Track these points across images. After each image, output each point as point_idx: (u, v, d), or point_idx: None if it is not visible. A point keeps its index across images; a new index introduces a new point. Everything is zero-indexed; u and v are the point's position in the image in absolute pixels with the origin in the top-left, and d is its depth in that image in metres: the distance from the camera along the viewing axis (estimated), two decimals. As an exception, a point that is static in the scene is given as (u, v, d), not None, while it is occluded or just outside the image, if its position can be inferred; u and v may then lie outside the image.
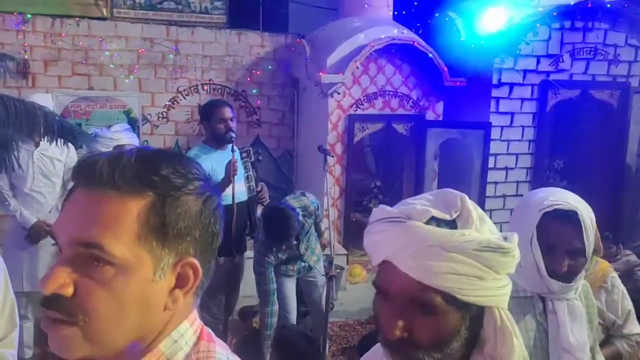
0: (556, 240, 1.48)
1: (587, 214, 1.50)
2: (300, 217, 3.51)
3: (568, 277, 1.50)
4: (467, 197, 0.94)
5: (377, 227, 0.96)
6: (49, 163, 3.63)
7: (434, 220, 0.91)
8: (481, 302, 0.90)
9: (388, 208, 0.96)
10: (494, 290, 0.90)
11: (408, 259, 0.90)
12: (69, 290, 0.71)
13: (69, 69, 5.56)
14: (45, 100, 3.70)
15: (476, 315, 0.93)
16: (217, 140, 3.69)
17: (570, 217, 1.47)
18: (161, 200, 0.73)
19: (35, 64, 5.43)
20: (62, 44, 5.51)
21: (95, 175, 0.71)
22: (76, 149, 3.78)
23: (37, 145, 3.51)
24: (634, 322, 2.00)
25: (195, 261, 0.76)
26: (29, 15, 5.37)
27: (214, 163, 3.54)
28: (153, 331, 0.76)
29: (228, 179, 3.47)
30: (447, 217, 0.91)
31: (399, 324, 0.91)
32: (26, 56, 5.35)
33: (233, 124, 3.68)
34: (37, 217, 3.54)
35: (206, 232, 0.77)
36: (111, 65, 5.67)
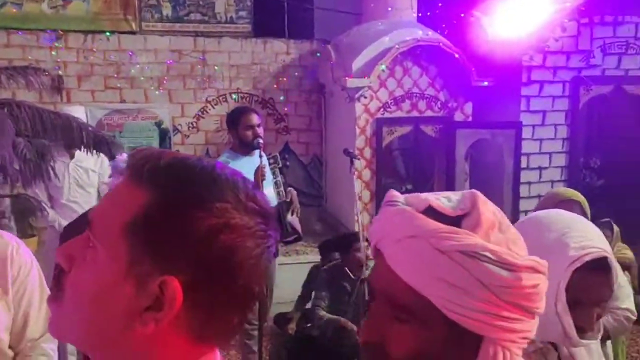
0: (585, 294, 1.21)
1: (609, 248, 1.23)
2: None
3: (595, 328, 1.24)
4: (485, 200, 0.78)
5: (380, 211, 0.85)
6: (84, 174, 3.73)
7: (431, 212, 0.77)
8: (468, 325, 0.73)
9: (394, 192, 0.83)
10: (490, 317, 0.72)
11: (392, 247, 0.77)
12: (67, 265, 0.68)
13: (102, 83, 5.71)
14: (79, 113, 3.81)
15: (469, 343, 0.75)
16: (244, 146, 3.73)
17: (601, 266, 1.20)
18: (165, 204, 0.64)
19: (69, 79, 5.59)
20: (94, 59, 5.66)
21: (129, 164, 0.69)
22: (109, 160, 3.87)
23: (72, 157, 3.62)
24: (622, 297, 1.89)
25: (173, 283, 0.62)
26: (62, 32, 5.53)
27: (241, 169, 3.56)
28: (109, 346, 0.66)
29: (256, 185, 3.50)
30: (449, 211, 0.77)
31: (370, 326, 0.79)
32: (60, 72, 5.51)
33: (260, 130, 3.70)
34: (73, 227, 3.63)
35: (217, 267, 0.64)
36: (141, 78, 5.79)
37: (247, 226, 0.66)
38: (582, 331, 1.21)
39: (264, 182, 3.54)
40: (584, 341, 1.22)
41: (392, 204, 0.81)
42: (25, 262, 1.54)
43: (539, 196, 5.69)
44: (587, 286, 1.19)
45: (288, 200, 3.90)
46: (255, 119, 3.71)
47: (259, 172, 3.49)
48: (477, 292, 0.72)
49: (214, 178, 0.67)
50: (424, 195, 0.80)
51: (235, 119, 3.77)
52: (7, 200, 2.24)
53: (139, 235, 0.64)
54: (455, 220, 0.76)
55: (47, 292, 1.60)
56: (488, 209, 0.76)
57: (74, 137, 2.38)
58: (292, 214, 4.00)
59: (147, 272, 0.63)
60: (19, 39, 5.44)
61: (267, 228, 0.69)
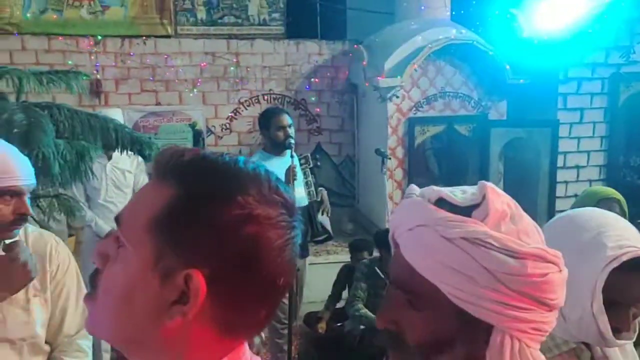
0: (622, 294, 1.17)
1: None
2: None
3: (631, 328, 1.20)
4: (497, 191, 0.79)
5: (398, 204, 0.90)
6: (121, 175, 3.84)
7: (442, 203, 0.79)
8: (476, 313, 0.74)
9: (413, 186, 0.87)
10: (498, 305, 0.73)
11: (404, 236, 0.80)
12: (101, 264, 0.70)
13: (138, 86, 5.84)
14: (117, 115, 3.91)
15: (479, 331, 0.76)
16: (276, 147, 3.76)
17: (638, 266, 1.17)
18: (187, 198, 0.65)
19: (106, 82, 5.74)
20: (131, 63, 5.79)
21: (154, 163, 0.71)
22: (145, 161, 3.96)
23: (109, 158, 3.72)
24: None
25: (197, 276, 0.63)
26: (100, 37, 5.69)
27: (273, 169, 3.60)
28: (140, 341, 0.67)
29: (287, 183, 3.53)
30: (458, 202, 0.79)
31: (385, 313, 0.82)
32: (98, 76, 5.66)
33: (291, 131, 3.73)
34: (111, 226, 3.73)
35: (241, 259, 0.64)
36: (176, 81, 5.90)
37: (270, 217, 0.66)
38: (617, 331, 1.18)
39: (295, 182, 3.57)
40: (619, 341, 1.18)
41: (408, 196, 0.85)
42: (64, 260, 1.60)
43: (575, 196, 5.55)
44: (624, 286, 1.16)
45: (319, 199, 3.92)
46: (286, 119, 3.74)
47: (290, 172, 3.52)
48: (484, 279, 0.72)
49: (236, 171, 0.68)
50: (439, 188, 0.82)
51: (267, 120, 3.81)
52: (48, 200, 2.33)
53: (163, 230, 0.65)
54: (466, 211, 0.77)
55: (84, 290, 1.65)
56: (499, 200, 0.77)
57: (111, 138, 2.45)
58: (322, 214, 4.02)
59: (172, 266, 0.64)
60: (60, 44, 5.61)
61: (291, 220, 0.69)
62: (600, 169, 5.57)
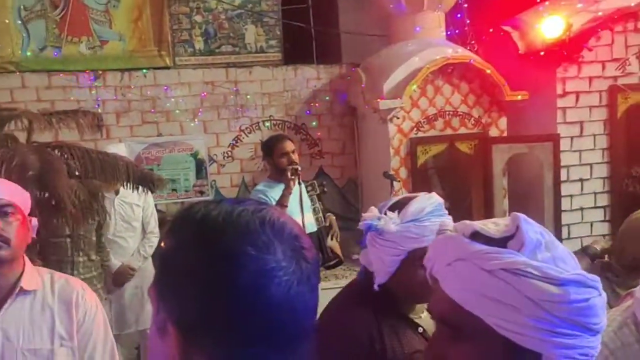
0: None
1: None
2: None
3: None
4: (529, 221, 0.81)
5: (433, 240, 0.92)
6: (129, 209, 3.83)
7: (477, 236, 0.82)
8: (522, 342, 0.74)
9: (445, 221, 0.94)
10: (544, 333, 0.73)
11: (443, 271, 0.82)
12: None
13: (139, 118, 5.86)
14: (120, 149, 3.92)
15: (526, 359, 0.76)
16: (280, 173, 3.77)
17: None
18: (166, 246, 0.66)
19: (108, 116, 5.75)
20: (132, 96, 5.82)
21: None
22: (152, 193, 3.96)
23: (117, 193, 3.72)
24: None
25: (171, 326, 0.62)
26: (101, 72, 5.72)
27: (277, 197, 3.61)
28: None
29: (280, 206, 3.54)
30: (492, 234, 0.81)
31: (431, 349, 0.83)
32: (100, 110, 5.68)
33: (295, 156, 3.74)
34: (121, 261, 3.70)
35: (214, 304, 0.60)
36: (177, 111, 5.92)
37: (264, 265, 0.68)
38: None
39: (303, 209, 3.57)
40: None
41: (442, 232, 0.89)
42: (91, 307, 1.58)
43: (581, 209, 5.56)
44: None
45: (327, 224, 3.92)
46: (289, 146, 3.76)
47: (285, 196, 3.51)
48: (527, 308, 0.73)
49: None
50: (471, 222, 0.86)
51: (270, 148, 3.83)
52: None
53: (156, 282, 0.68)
54: (501, 242, 0.80)
55: (111, 339, 1.63)
56: (532, 229, 0.79)
57: (121, 176, 2.46)
58: (332, 239, 4.02)
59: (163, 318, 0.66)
60: (60, 80, 5.64)
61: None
62: (604, 181, 5.58)
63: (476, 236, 0.82)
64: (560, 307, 0.73)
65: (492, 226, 0.83)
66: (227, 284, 0.60)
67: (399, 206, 1.53)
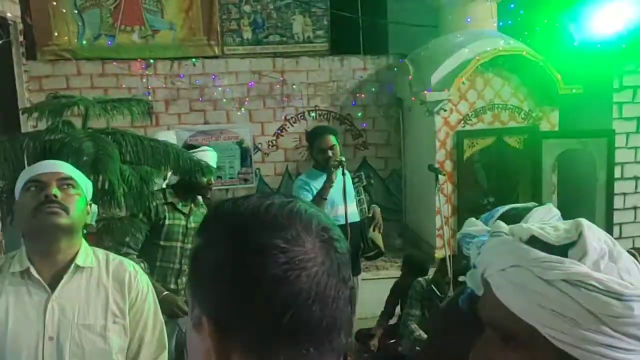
0: None
1: None
2: None
3: None
4: (593, 228, 0.77)
5: (486, 242, 0.88)
6: (176, 195, 3.89)
7: (535, 241, 0.77)
8: (578, 355, 0.71)
9: (501, 223, 0.86)
10: (603, 348, 0.70)
11: (497, 276, 0.79)
12: None
13: (187, 106, 5.98)
14: (170, 137, 4.00)
15: None
16: (324, 164, 3.77)
17: None
18: (196, 244, 0.68)
19: (157, 104, 5.89)
20: (180, 84, 5.94)
21: None
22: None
23: (165, 178, 3.79)
24: None
25: (205, 321, 0.64)
26: (152, 60, 5.85)
27: (320, 186, 3.63)
28: None
29: (319, 198, 3.54)
30: (552, 240, 0.77)
31: (479, 352, 0.80)
32: (150, 97, 5.82)
33: (336, 150, 3.69)
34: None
35: (238, 297, 0.61)
36: (224, 100, 6.01)
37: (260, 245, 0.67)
38: None
39: (347, 199, 3.56)
40: None
41: (497, 234, 0.83)
42: (143, 289, 1.63)
43: (634, 208, 5.35)
44: None
45: (370, 215, 3.90)
46: (329, 141, 3.71)
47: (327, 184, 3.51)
48: (587, 321, 0.70)
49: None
50: (528, 225, 0.81)
51: (311, 141, 3.83)
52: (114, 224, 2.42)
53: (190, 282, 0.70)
54: (561, 250, 0.75)
55: (161, 319, 1.67)
56: (596, 237, 0.75)
57: (172, 163, 2.52)
58: (374, 230, 4.00)
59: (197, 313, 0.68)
60: (113, 68, 5.81)
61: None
62: (660, 179, 5.36)
63: (534, 241, 0.77)
64: (623, 322, 0.70)
65: (552, 231, 0.78)
66: (257, 278, 0.61)
67: (513, 218, 1.24)
